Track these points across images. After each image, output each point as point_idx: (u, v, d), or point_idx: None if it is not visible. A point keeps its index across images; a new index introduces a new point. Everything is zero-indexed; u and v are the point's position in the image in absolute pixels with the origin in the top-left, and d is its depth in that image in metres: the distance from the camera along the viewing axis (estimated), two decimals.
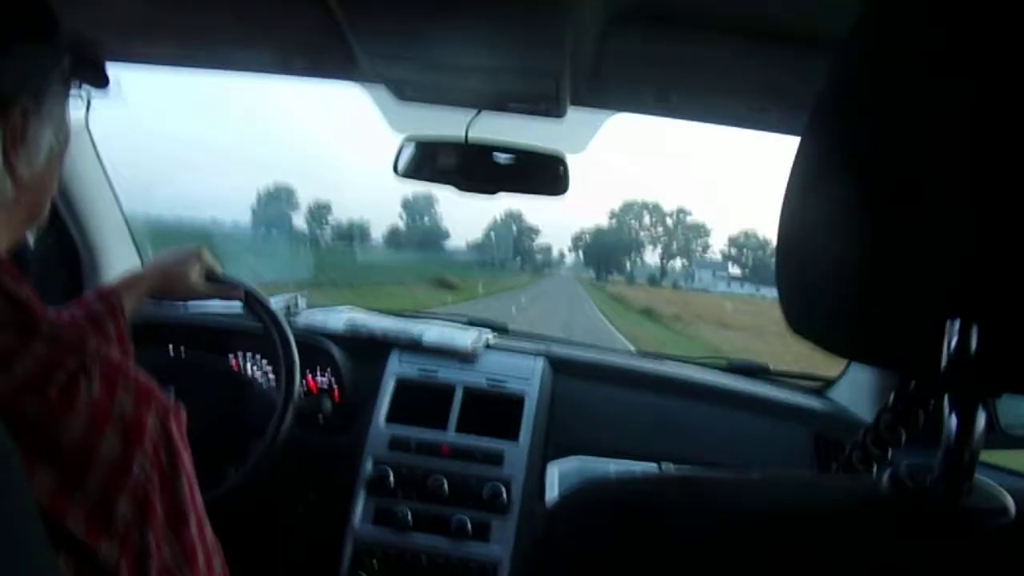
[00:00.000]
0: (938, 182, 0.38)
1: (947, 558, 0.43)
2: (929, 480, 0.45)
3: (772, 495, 0.49)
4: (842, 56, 0.43)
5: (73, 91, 0.79)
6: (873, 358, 0.48)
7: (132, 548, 0.66)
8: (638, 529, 0.46)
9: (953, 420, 0.43)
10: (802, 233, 0.46)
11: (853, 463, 0.68)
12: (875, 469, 0.66)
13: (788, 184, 0.46)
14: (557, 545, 0.48)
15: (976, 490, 0.44)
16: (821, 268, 0.44)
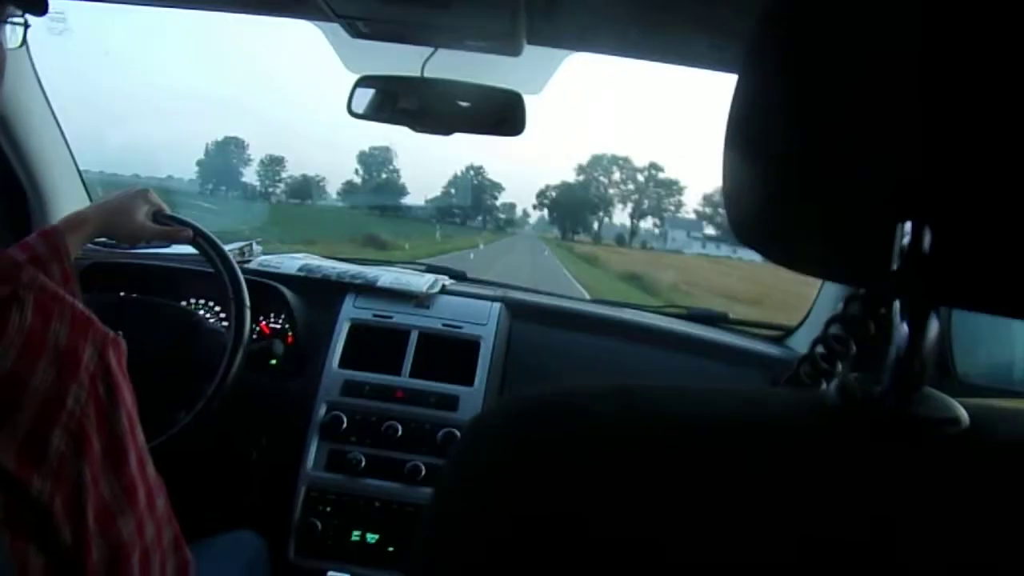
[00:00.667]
0: (886, 85, 0.39)
1: (896, 465, 0.43)
2: (879, 390, 0.45)
3: (711, 405, 0.49)
4: None
5: (9, 15, 0.79)
6: (822, 266, 0.49)
7: (67, 483, 0.67)
8: (564, 436, 0.46)
9: (904, 327, 0.44)
10: (749, 143, 0.47)
11: (801, 378, 0.68)
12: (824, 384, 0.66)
13: (734, 96, 0.47)
14: (479, 454, 0.48)
15: (926, 399, 0.45)
16: (769, 177, 0.45)
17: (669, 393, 0.49)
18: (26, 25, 0.85)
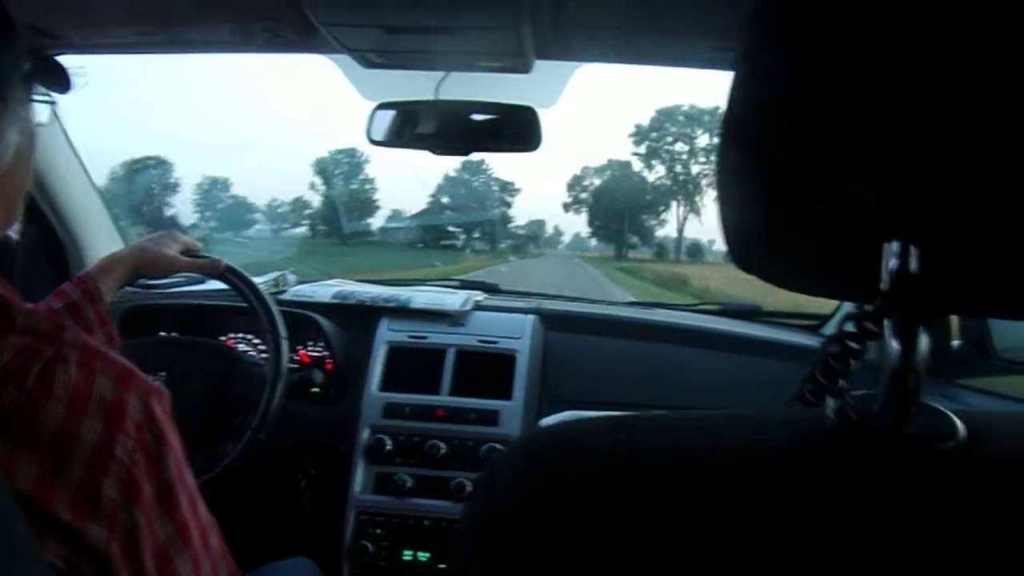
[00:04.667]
0: (873, 106, 0.47)
1: (894, 485, 0.53)
2: (875, 408, 0.55)
3: (713, 434, 0.59)
4: None
5: (36, 93, 0.99)
6: (814, 287, 0.60)
7: (121, 529, 0.84)
8: (572, 475, 0.57)
9: (895, 344, 0.53)
10: (739, 166, 0.56)
11: (806, 397, 0.75)
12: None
13: (724, 118, 0.56)
14: (494, 495, 0.59)
15: (923, 415, 0.54)
16: (759, 200, 0.55)
17: (667, 423, 0.61)
18: (53, 102, 1.12)
